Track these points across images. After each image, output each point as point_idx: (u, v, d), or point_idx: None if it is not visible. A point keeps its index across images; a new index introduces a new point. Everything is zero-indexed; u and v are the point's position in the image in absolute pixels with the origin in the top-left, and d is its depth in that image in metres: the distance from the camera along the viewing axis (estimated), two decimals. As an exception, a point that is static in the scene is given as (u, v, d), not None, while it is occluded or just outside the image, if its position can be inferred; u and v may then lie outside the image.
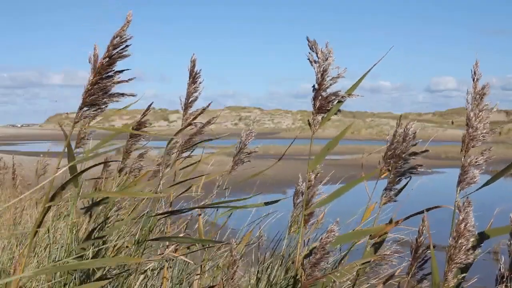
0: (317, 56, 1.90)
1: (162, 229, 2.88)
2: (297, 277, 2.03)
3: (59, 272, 2.27)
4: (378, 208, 2.19)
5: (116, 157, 3.47)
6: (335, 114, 1.96)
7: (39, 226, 1.72)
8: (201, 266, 2.71)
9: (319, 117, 1.95)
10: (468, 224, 1.68)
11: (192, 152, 2.63)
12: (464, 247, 1.69)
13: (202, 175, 2.82)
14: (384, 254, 2.15)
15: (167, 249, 2.45)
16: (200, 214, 2.77)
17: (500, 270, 1.68)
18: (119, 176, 3.08)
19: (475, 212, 1.73)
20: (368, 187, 2.33)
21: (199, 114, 2.54)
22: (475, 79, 1.86)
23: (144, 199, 2.88)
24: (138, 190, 2.21)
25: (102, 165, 3.28)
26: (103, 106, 1.70)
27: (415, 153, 2.12)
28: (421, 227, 1.91)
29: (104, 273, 2.35)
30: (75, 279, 2.25)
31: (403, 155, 2.09)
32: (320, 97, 1.92)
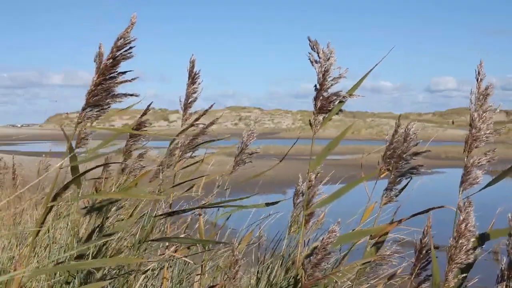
0: (318, 56, 1.90)
1: (162, 229, 2.88)
2: (298, 277, 2.03)
3: (59, 272, 2.27)
4: (379, 208, 2.19)
5: (116, 157, 3.47)
6: (336, 114, 1.96)
7: (41, 225, 1.72)
8: (201, 266, 2.71)
9: (320, 117, 1.95)
10: (469, 224, 1.68)
11: (193, 152, 2.63)
12: (464, 247, 1.69)
13: (203, 176, 2.82)
14: (385, 254, 2.15)
15: (167, 250, 2.45)
16: (200, 214, 2.77)
17: (501, 270, 1.68)
18: (119, 177, 3.08)
19: (477, 213, 1.73)
20: (367, 187, 2.33)
21: (202, 115, 2.55)
22: (479, 79, 1.85)
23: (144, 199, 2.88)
24: (140, 191, 2.20)
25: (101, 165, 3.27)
26: (106, 107, 1.71)
27: (416, 154, 2.12)
28: (425, 228, 1.91)
29: (104, 273, 2.35)
30: (75, 279, 2.25)
31: (404, 155, 2.09)
32: (321, 97, 1.92)
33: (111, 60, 1.64)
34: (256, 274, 2.68)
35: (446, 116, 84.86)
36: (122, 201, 2.70)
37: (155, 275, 2.74)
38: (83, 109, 1.70)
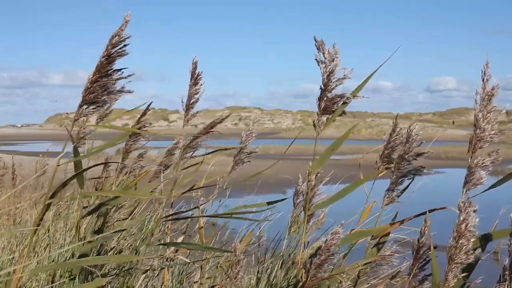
0: (324, 56, 1.90)
1: (163, 228, 2.88)
2: (299, 278, 2.03)
3: (59, 272, 2.27)
4: (381, 208, 2.19)
5: (116, 157, 3.47)
6: (340, 115, 1.96)
7: (39, 223, 1.72)
8: (201, 266, 2.71)
9: (324, 118, 1.95)
10: (469, 225, 1.67)
11: (193, 153, 2.63)
12: (464, 247, 1.69)
13: (208, 178, 2.82)
14: (385, 255, 2.15)
15: (168, 250, 2.45)
16: (201, 227, 2.77)
17: (503, 270, 1.68)
18: (118, 176, 3.08)
19: (480, 213, 1.73)
20: (366, 187, 2.32)
21: (218, 123, 2.55)
22: (485, 80, 1.85)
23: (147, 200, 2.88)
24: (143, 191, 2.21)
25: (102, 165, 3.27)
26: (102, 104, 1.73)
27: (418, 154, 2.11)
28: (423, 228, 1.91)
29: (104, 272, 2.35)
30: (74, 279, 2.25)
31: (406, 156, 2.09)
32: (325, 98, 1.92)
33: (106, 57, 1.67)
34: (256, 274, 2.68)
35: (446, 116, 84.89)
36: (122, 201, 2.70)
37: (155, 275, 2.74)
38: (80, 106, 1.71)
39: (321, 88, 1.94)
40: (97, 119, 3.07)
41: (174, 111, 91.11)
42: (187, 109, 2.59)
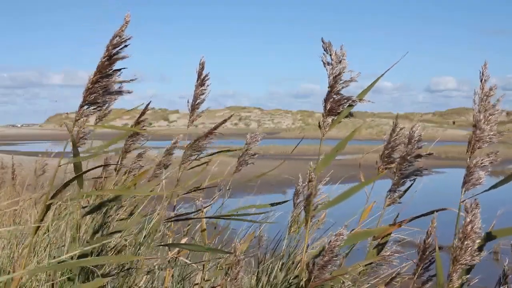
0: (331, 58, 1.90)
1: (163, 229, 2.87)
2: (301, 279, 2.03)
3: (59, 272, 2.27)
4: (383, 209, 2.19)
5: (116, 157, 3.47)
6: (346, 117, 1.97)
7: (40, 223, 1.72)
8: (203, 266, 2.71)
9: (329, 119, 1.96)
10: (475, 226, 1.67)
11: (198, 155, 2.64)
12: (470, 248, 1.69)
13: (212, 179, 2.82)
14: (385, 255, 2.15)
15: (170, 251, 2.45)
16: (204, 230, 2.77)
17: (503, 271, 1.69)
18: (117, 176, 3.08)
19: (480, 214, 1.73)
20: (366, 187, 2.32)
21: (222, 123, 2.56)
22: (483, 80, 1.85)
23: (146, 199, 2.88)
24: (142, 189, 2.20)
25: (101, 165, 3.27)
26: (103, 104, 1.73)
27: (420, 156, 2.12)
28: (429, 229, 1.91)
29: (105, 272, 2.35)
30: (74, 281, 2.25)
31: (408, 157, 2.09)
32: (331, 100, 1.93)
33: (107, 58, 1.66)
34: (256, 274, 2.68)
35: (446, 116, 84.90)
36: (122, 200, 2.70)
37: (155, 275, 2.74)
38: (81, 106, 1.71)
39: (327, 89, 1.95)
40: (96, 119, 3.06)
41: (174, 111, 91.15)
42: (193, 109, 2.59)
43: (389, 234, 2.15)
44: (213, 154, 2.82)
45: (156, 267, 2.65)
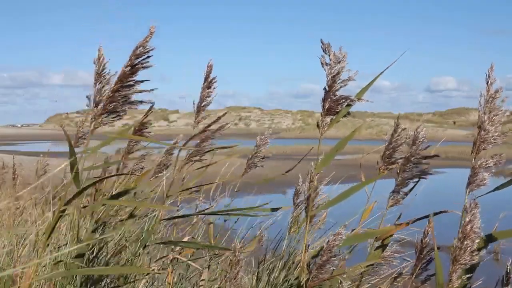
0: (329, 58, 1.91)
1: (164, 230, 2.88)
2: (300, 279, 2.03)
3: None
4: (385, 210, 2.20)
5: (116, 157, 3.47)
6: (344, 116, 1.97)
7: (52, 231, 1.72)
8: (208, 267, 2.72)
9: (328, 119, 1.96)
10: (475, 226, 1.68)
11: (201, 156, 2.64)
12: (469, 248, 1.69)
13: (210, 182, 2.83)
14: (386, 255, 2.15)
15: (172, 252, 2.45)
16: (211, 223, 2.78)
17: (506, 272, 1.69)
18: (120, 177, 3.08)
19: (482, 215, 1.73)
20: (367, 187, 2.32)
21: (223, 126, 2.57)
22: (489, 82, 1.87)
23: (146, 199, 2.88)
24: (144, 191, 2.21)
25: (100, 165, 3.27)
26: (122, 113, 1.72)
27: (426, 157, 2.12)
28: (426, 229, 1.92)
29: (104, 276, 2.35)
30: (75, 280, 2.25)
31: (413, 159, 2.09)
32: (329, 99, 1.93)
33: (129, 68, 1.66)
34: (256, 274, 2.68)
35: (446, 116, 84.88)
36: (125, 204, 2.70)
37: (156, 276, 2.74)
38: (100, 114, 1.71)
39: (325, 89, 1.95)
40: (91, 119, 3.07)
41: (174, 111, 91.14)
42: (198, 110, 2.60)
43: (391, 235, 2.15)
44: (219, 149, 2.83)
45: (156, 268, 2.65)
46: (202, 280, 2.62)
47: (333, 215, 2.74)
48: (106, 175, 3.26)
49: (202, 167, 2.70)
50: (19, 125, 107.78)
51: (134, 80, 1.70)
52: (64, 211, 1.72)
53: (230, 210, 2.42)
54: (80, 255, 2.12)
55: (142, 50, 1.67)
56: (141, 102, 1.75)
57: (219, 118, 2.63)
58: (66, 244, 2.52)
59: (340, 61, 1.90)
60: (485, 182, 1.87)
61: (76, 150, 2.83)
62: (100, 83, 1.70)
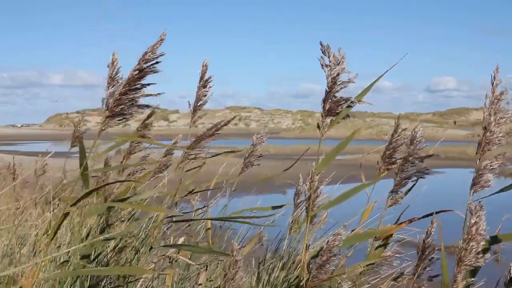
0: (329, 60, 1.92)
1: (164, 230, 2.88)
2: (301, 279, 2.04)
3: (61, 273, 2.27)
4: (384, 210, 2.20)
5: (116, 157, 3.47)
6: (344, 118, 1.98)
7: (57, 231, 1.72)
8: (206, 266, 2.72)
9: (328, 120, 1.97)
10: (480, 228, 1.69)
11: (197, 155, 2.64)
12: (474, 249, 1.70)
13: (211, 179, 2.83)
14: (387, 255, 2.15)
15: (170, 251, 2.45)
16: (209, 229, 2.78)
17: (510, 272, 1.70)
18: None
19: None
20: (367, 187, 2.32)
21: (224, 125, 2.58)
22: (494, 84, 1.89)
23: (147, 199, 2.88)
24: (156, 207, 2.21)
25: (100, 165, 3.28)
26: (129, 116, 1.74)
27: (422, 157, 2.13)
28: (429, 229, 1.92)
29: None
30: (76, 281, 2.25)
31: (410, 158, 2.10)
32: (330, 100, 1.95)
33: (137, 72, 1.68)
34: (256, 274, 2.68)
35: (446, 116, 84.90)
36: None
37: (155, 276, 2.74)
38: (107, 117, 1.72)
39: (325, 90, 1.96)
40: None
41: (174, 111, 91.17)
42: (194, 110, 2.60)
43: (391, 235, 2.16)
44: (217, 155, 2.84)
45: (156, 268, 2.65)
46: (200, 284, 2.62)
47: (333, 216, 2.73)
48: (106, 175, 3.26)
49: (197, 167, 2.70)
50: (19, 125, 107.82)
51: (141, 83, 1.72)
52: (69, 212, 1.72)
53: (235, 217, 2.43)
54: (85, 256, 2.13)
55: (151, 55, 1.69)
56: (147, 106, 1.77)
57: (229, 122, 2.63)
58: (66, 244, 2.52)
59: (339, 63, 1.90)
60: (489, 183, 1.89)
61: (75, 149, 2.82)
62: (113, 86, 1.72)
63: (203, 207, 2.81)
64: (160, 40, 1.70)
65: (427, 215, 2.04)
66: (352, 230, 2.35)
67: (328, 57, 1.92)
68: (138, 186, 2.86)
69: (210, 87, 2.58)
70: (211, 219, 2.66)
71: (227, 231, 3.16)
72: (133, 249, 2.64)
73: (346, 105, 1.96)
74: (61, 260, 2.27)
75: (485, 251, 1.77)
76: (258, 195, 3.56)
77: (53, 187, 3.76)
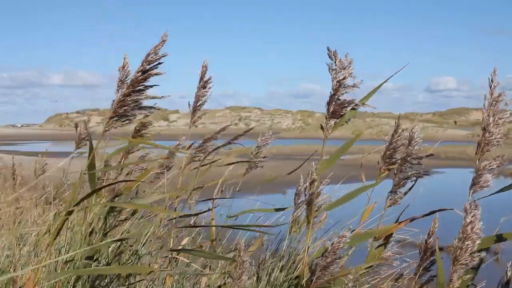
0: (335, 64, 1.95)
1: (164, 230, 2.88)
2: (303, 280, 2.04)
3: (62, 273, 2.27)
4: (384, 210, 2.21)
5: (115, 157, 3.47)
6: (346, 122, 2.00)
7: (59, 232, 1.72)
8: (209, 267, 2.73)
9: (332, 122, 1.99)
10: (475, 227, 1.70)
11: (205, 157, 2.66)
12: (470, 248, 1.71)
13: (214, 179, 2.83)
14: (387, 256, 2.16)
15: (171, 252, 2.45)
16: (213, 240, 2.79)
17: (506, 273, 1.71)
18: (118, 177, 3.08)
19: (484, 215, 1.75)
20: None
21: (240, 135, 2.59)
22: (492, 86, 1.91)
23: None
24: (152, 199, 2.21)
25: (100, 165, 3.28)
26: (132, 118, 1.74)
27: (421, 157, 2.14)
28: (431, 229, 1.93)
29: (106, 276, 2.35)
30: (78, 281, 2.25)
31: (409, 159, 2.11)
32: (334, 103, 1.97)
33: (140, 73, 1.69)
34: (256, 274, 2.68)
35: (446, 116, 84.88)
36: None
37: (156, 278, 2.74)
38: (110, 118, 1.73)
39: (330, 93, 1.99)
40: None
41: (174, 111, 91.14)
42: (194, 110, 2.61)
43: (391, 235, 2.16)
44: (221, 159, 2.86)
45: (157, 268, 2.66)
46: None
47: (333, 216, 2.74)
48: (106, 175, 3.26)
49: (203, 165, 2.71)
50: (19, 125, 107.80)
51: (144, 85, 1.72)
52: (72, 211, 1.73)
53: (243, 225, 2.44)
54: (90, 257, 2.13)
55: (154, 57, 1.70)
56: (151, 107, 1.78)
57: (246, 131, 2.65)
58: (65, 244, 2.52)
59: (345, 67, 1.94)
60: (488, 183, 1.90)
61: (81, 150, 2.83)
62: (122, 89, 1.73)
63: (208, 210, 2.81)
64: (162, 41, 1.71)
65: (427, 214, 2.05)
66: (352, 231, 2.35)
67: (335, 61, 1.95)
68: (138, 186, 2.86)
69: (209, 88, 2.59)
70: (218, 226, 2.67)
71: (225, 230, 3.16)
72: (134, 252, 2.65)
73: (350, 107, 1.98)
74: (63, 261, 2.27)
75: (481, 250, 1.77)
76: (259, 195, 3.56)
77: (53, 187, 3.76)
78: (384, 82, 2.04)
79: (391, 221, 2.20)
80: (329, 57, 1.96)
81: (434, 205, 2.12)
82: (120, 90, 1.73)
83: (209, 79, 2.57)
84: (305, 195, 2.49)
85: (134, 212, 2.85)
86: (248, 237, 2.98)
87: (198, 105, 2.60)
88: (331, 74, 1.96)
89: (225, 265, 2.82)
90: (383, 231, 2.15)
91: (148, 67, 1.71)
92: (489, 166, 1.92)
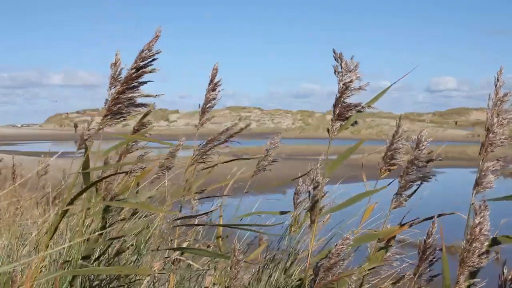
0: (341, 67, 1.95)
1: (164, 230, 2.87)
2: (305, 281, 2.04)
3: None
4: (388, 211, 2.20)
5: (115, 156, 3.47)
6: (352, 125, 2.01)
7: (55, 230, 1.72)
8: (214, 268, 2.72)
9: (338, 124, 2.00)
10: (484, 228, 1.68)
11: (206, 158, 2.66)
12: (477, 250, 1.69)
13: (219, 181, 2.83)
14: (388, 256, 2.15)
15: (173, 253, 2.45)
16: (220, 236, 2.79)
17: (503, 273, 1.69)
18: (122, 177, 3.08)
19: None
20: (367, 186, 2.32)
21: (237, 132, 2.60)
22: (498, 86, 1.90)
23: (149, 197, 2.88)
24: (145, 195, 2.21)
25: (99, 164, 3.27)
26: (126, 115, 1.73)
27: (427, 161, 2.13)
28: (430, 229, 1.92)
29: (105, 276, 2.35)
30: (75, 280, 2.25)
31: (416, 162, 2.11)
32: (340, 105, 1.97)
33: (134, 70, 1.67)
34: (256, 274, 2.68)
35: (446, 116, 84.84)
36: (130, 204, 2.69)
37: (157, 279, 2.74)
38: (105, 115, 1.72)
39: (336, 95, 2.00)
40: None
41: (174, 111, 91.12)
42: (203, 112, 2.62)
43: (394, 237, 2.16)
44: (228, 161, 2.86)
45: (157, 269, 2.65)
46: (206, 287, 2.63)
47: (333, 215, 2.74)
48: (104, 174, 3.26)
49: (209, 167, 2.71)
50: (19, 125, 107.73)
51: (138, 82, 1.71)
52: (67, 210, 1.72)
53: (239, 226, 2.44)
54: (86, 257, 2.12)
55: (147, 53, 1.68)
56: (144, 104, 1.77)
57: (242, 129, 2.66)
58: (64, 243, 2.52)
59: (351, 70, 1.94)
60: (491, 184, 1.89)
61: (83, 151, 2.82)
62: (115, 87, 1.72)
63: (211, 211, 2.81)
64: (156, 37, 1.69)
65: (429, 218, 2.04)
66: (353, 231, 2.35)
67: (341, 64, 1.95)
68: (138, 186, 2.86)
69: (219, 91, 2.61)
70: (218, 226, 2.66)
71: (231, 231, 3.16)
72: (135, 250, 2.64)
73: (356, 110, 1.98)
74: (62, 260, 2.27)
75: (489, 252, 1.76)
76: (259, 195, 3.56)
77: (53, 187, 3.76)
78: (392, 84, 2.06)
79: (391, 222, 2.20)
80: (335, 59, 1.96)
81: (435, 205, 2.12)
82: (112, 88, 1.71)
83: (219, 81, 2.59)
84: (309, 195, 2.50)
85: (134, 213, 2.84)
86: (249, 237, 2.98)
87: (207, 107, 2.62)
88: (337, 77, 1.97)
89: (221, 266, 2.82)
90: (386, 233, 2.15)
91: (142, 64, 1.69)
92: (493, 167, 1.92)
